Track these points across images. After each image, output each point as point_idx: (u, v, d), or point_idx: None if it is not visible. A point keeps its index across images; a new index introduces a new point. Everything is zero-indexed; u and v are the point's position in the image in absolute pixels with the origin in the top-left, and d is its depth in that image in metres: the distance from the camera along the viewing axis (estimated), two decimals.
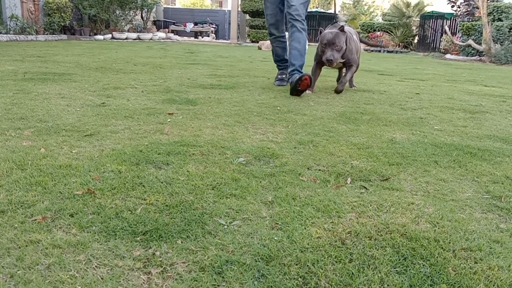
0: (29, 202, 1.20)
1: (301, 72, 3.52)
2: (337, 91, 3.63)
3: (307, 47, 3.83)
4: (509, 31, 11.35)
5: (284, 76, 4.09)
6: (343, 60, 3.56)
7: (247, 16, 17.28)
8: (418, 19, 17.19)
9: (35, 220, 1.10)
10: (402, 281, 0.91)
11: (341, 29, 3.41)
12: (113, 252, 0.97)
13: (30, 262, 0.91)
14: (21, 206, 1.18)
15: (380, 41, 16.50)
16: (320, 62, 3.63)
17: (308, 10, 4.63)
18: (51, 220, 1.10)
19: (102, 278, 0.87)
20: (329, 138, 2.07)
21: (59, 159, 1.57)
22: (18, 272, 0.88)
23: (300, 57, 3.62)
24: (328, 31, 3.43)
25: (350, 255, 1.00)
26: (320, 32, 3.53)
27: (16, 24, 10.27)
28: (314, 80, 3.62)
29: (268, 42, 13.64)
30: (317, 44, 3.68)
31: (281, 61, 4.15)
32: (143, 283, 0.87)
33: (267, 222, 1.16)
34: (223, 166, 1.59)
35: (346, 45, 3.45)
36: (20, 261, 0.91)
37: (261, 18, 16.44)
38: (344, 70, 3.86)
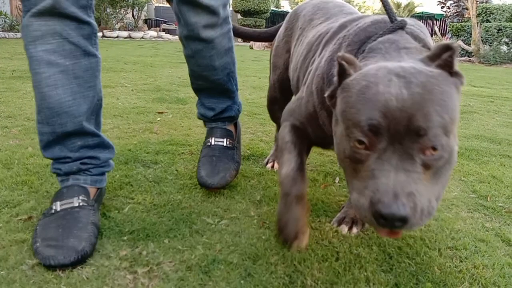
0: (14, 202, 1.19)
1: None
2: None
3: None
4: (497, 32, 11.49)
5: None
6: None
7: (239, 16, 17.28)
8: None
9: (21, 219, 1.09)
10: (388, 279, 0.92)
11: (449, 62, 0.72)
12: (99, 251, 0.96)
13: (14, 262, 0.90)
14: (6, 205, 1.16)
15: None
16: (312, 138, 1.08)
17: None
18: (37, 219, 1.09)
19: (87, 278, 0.87)
20: None
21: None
22: (2, 272, 0.87)
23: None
24: (389, 73, 0.69)
25: (337, 253, 1.01)
26: (342, 69, 0.75)
27: (5, 21, 10.16)
28: (302, 211, 0.98)
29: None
30: None
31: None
32: (129, 282, 0.86)
33: (255, 221, 1.16)
34: None
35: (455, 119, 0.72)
36: (4, 261, 0.90)
37: (253, 18, 16.46)
38: None
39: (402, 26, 0.88)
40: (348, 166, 0.73)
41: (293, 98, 1.17)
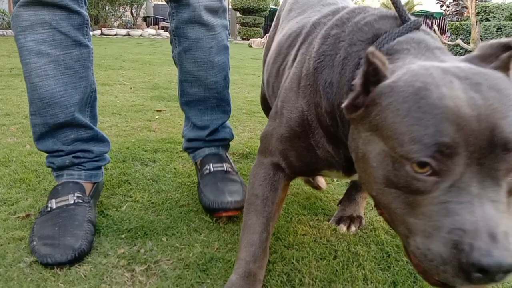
0: (12, 199, 1.19)
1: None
2: None
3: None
4: (496, 31, 11.51)
5: None
6: None
7: (238, 14, 17.25)
8: None
9: (18, 217, 1.09)
10: (385, 277, 0.92)
11: (507, 64, 0.58)
12: (97, 249, 0.96)
13: (12, 259, 0.90)
14: (4, 203, 1.16)
15: None
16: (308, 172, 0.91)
17: None
18: (35, 217, 1.09)
19: (85, 276, 0.87)
20: None
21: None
22: (0, 270, 0.87)
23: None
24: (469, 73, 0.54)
25: (335, 252, 1.01)
26: (374, 70, 0.58)
27: (3, 18, 10.13)
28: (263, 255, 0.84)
29: (259, 39, 13.42)
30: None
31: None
32: (127, 280, 0.86)
33: None
34: None
35: None
36: (1, 259, 0.90)
37: (252, 16, 16.43)
38: None
39: (418, 27, 0.70)
40: (395, 198, 0.54)
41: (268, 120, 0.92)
